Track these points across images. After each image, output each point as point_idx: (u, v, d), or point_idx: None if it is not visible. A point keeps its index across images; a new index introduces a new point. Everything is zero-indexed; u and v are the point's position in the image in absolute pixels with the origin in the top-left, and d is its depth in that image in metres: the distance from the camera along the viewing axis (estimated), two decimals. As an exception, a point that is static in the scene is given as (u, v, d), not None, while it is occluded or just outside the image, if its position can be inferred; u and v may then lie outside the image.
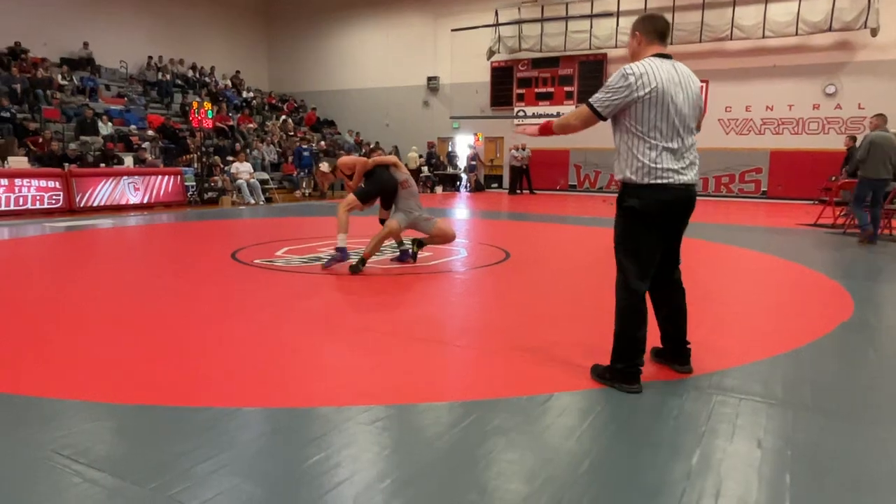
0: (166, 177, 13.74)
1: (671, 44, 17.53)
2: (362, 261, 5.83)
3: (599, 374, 2.97)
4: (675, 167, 2.74)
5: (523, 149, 19.16)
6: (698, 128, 2.90)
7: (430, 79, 22.00)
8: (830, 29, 15.83)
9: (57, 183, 11.85)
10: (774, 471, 2.15)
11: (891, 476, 2.14)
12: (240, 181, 14.74)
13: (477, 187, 20.87)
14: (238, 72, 22.92)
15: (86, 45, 18.29)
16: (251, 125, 19.72)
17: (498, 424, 2.53)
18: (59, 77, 16.56)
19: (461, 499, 1.96)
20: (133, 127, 16.09)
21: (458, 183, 21.15)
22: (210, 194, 14.37)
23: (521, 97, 20.43)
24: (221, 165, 15.08)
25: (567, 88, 19.60)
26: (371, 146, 19.08)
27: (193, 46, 21.69)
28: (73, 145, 13.70)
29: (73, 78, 17.04)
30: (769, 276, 6.11)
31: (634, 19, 2.96)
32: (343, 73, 23.72)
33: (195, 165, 14.81)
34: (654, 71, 2.70)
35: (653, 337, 3.04)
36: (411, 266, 6.14)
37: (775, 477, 2.11)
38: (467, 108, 21.26)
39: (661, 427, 2.50)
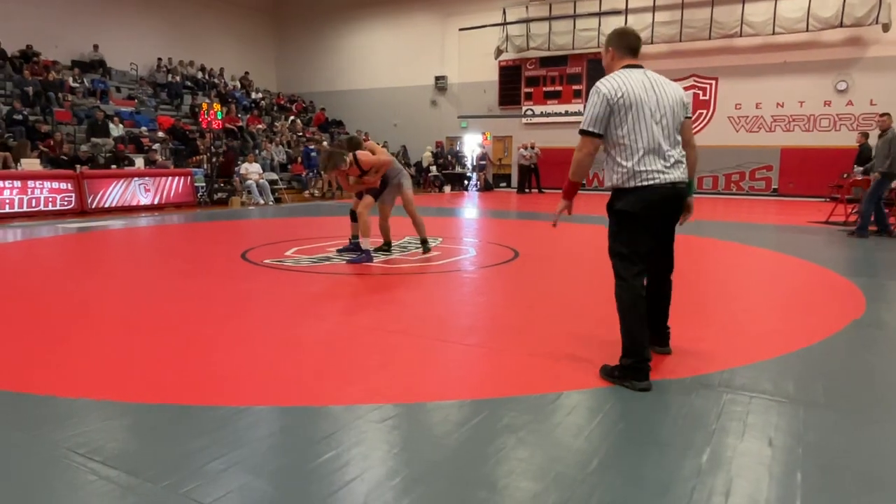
0: (176, 178, 13.82)
1: (680, 41, 17.52)
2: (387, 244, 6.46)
3: (608, 373, 3.00)
4: (659, 167, 2.86)
5: (532, 147, 19.13)
6: (687, 131, 3.02)
7: (437, 78, 22.01)
8: (841, 25, 15.70)
9: (69, 185, 11.95)
10: (785, 469, 2.14)
11: (903, 474, 2.12)
12: (249, 182, 14.82)
13: (486, 186, 20.86)
14: (247, 73, 23.03)
15: (96, 47, 18.44)
16: (260, 126, 19.81)
17: (507, 423, 2.53)
18: (71, 79, 16.70)
19: (471, 496, 1.96)
20: (143, 129, 16.20)
21: (466, 182, 21.14)
22: (219, 195, 14.44)
23: (529, 96, 20.40)
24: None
25: (575, 87, 19.56)
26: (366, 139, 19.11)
27: (203, 48, 21.81)
28: (84, 147, 13.81)
29: (85, 80, 17.17)
30: (780, 273, 6.07)
31: (609, 34, 3.13)
32: (351, 73, 23.78)
33: (205, 166, 14.90)
34: (624, 81, 2.87)
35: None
36: (420, 265, 6.15)
37: (786, 475, 2.10)
38: (475, 108, 21.25)
39: (670, 425, 2.50)
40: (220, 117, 15.12)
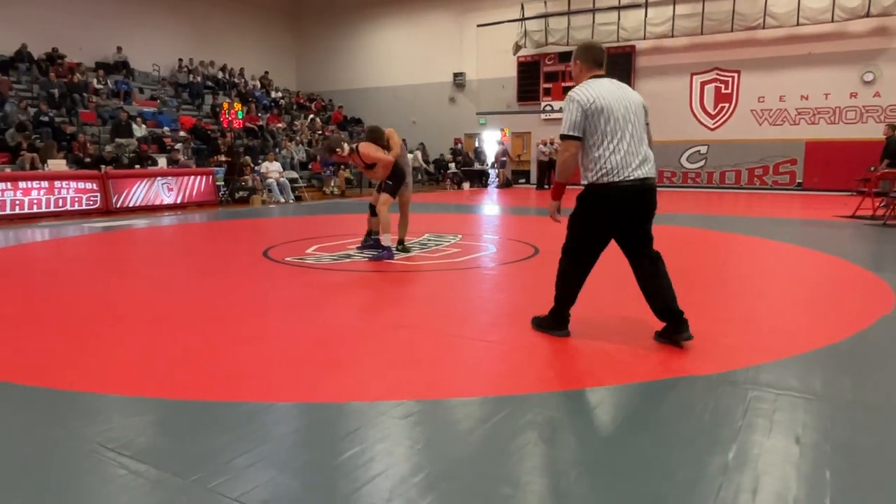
0: (198, 177, 13.99)
1: (701, 34, 17.29)
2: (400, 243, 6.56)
3: (538, 323, 3.64)
4: (628, 164, 3.17)
5: (551, 143, 19.02)
6: (648, 134, 3.36)
7: (456, 75, 21.99)
8: (868, 14, 15.37)
9: (94, 184, 12.15)
10: (813, 467, 2.11)
11: (936, 472, 2.08)
12: (270, 180, 14.94)
13: (505, 183, 20.81)
14: (266, 72, 23.21)
15: (119, 49, 18.70)
16: (280, 125, 19.96)
17: (530, 419, 2.53)
18: (95, 81, 16.97)
19: (495, 493, 1.97)
20: (166, 129, 16.42)
21: (484, 179, 21.10)
22: (240, 194, 14.59)
23: (548, 91, 20.30)
24: (251, 165, 15.30)
25: (595, 82, 19.38)
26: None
27: (223, 48, 22.02)
28: (108, 147, 14.04)
29: (108, 82, 17.44)
30: (806, 269, 5.98)
31: (576, 48, 3.44)
32: (369, 71, 23.84)
33: (226, 165, 15.04)
34: (594, 89, 3.21)
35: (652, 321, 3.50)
36: (440, 262, 6.16)
37: (814, 473, 2.07)
38: (494, 104, 21.20)
39: (696, 422, 2.47)
40: (240, 116, 15.25)
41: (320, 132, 20.29)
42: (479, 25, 20.55)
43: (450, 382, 2.95)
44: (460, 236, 7.99)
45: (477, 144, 22.05)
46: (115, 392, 2.84)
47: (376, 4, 22.99)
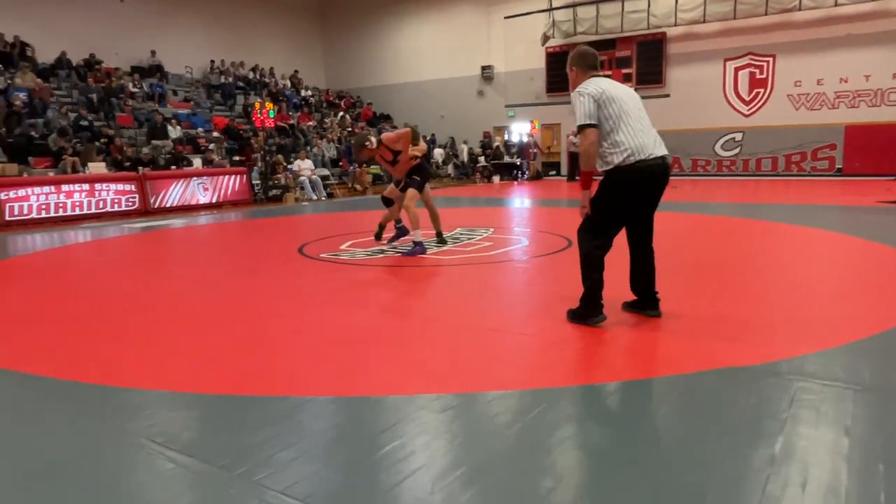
0: (233, 176, 14.22)
1: (734, 18, 16.88)
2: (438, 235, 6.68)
3: (573, 315, 3.62)
4: (648, 144, 3.33)
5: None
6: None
7: (484, 68, 21.89)
8: (911, -9, 14.84)
9: (133, 186, 12.45)
10: (865, 459, 2.06)
11: None
12: (302, 178, 15.10)
13: (535, 175, 20.67)
14: (296, 71, 23.43)
15: (153, 53, 19.08)
16: (310, 123, 20.15)
17: (569, 412, 2.52)
18: (131, 85, 17.36)
19: (536, 486, 1.96)
20: (200, 129, 16.72)
21: (515, 172, 21.00)
22: (274, 192, 14.78)
23: (577, 82, 20.05)
24: (284, 164, 15.48)
25: (625, 70, 19.12)
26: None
27: (253, 49, 22.30)
28: (145, 149, 14.35)
29: (143, 85, 17.82)
30: (849, 256, 5.81)
31: (570, 55, 3.66)
32: (397, 67, 23.89)
33: (259, 164, 15.26)
34: (596, 84, 3.40)
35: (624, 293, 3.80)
36: (474, 256, 6.15)
37: (866, 466, 2.01)
38: (523, 96, 21.06)
39: (739, 413, 2.43)
40: (272, 116, 15.44)
41: (350, 129, 20.42)
42: (506, 17, 20.41)
43: (487, 376, 2.95)
44: (492, 230, 7.97)
45: (507, 137, 21.94)
46: (158, 388, 2.91)
47: (403, 0, 23.01)
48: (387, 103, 24.00)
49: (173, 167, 13.82)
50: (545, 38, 19.94)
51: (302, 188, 15.05)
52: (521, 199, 13.67)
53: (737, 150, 17.78)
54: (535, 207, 11.56)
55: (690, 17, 17.51)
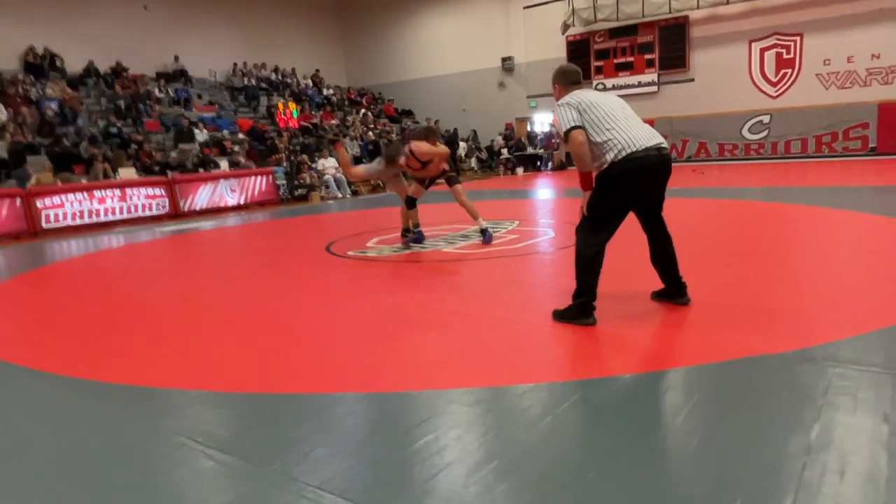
0: (259, 177, 14.41)
1: (760, -2, 16.52)
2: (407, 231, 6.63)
3: (561, 316, 3.57)
4: (639, 137, 3.33)
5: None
6: None
7: (504, 59, 21.79)
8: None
9: (162, 190, 12.70)
10: (904, 445, 2.03)
11: None
12: (326, 177, 15.23)
13: (559, 166, 20.54)
14: (317, 70, 23.59)
15: (177, 58, 19.38)
16: (333, 121, 20.28)
17: (602, 404, 2.52)
18: (156, 90, 17.67)
19: (568, 478, 1.97)
20: (225, 132, 16.95)
21: (538, 163, 20.89)
22: (300, 191, 14.93)
23: (599, 70, 19.86)
24: (309, 163, 15.63)
25: (648, 56, 18.87)
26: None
27: (274, 50, 22.50)
28: (173, 154, 14.62)
29: (169, 90, 18.12)
30: (883, 238, 5.67)
31: (553, 73, 3.74)
32: (417, 61, 23.89)
33: (284, 164, 15.43)
34: (576, 94, 3.50)
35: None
36: (501, 249, 6.16)
37: (905, 452, 1.98)
38: (544, 86, 20.86)
39: (774, 401, 2.41)
40: (295, 116, 15.58)
41: (372, 126, 20.52)
42: (525, 7, 20.27)
43: (517, 369, 2.96)
44: (517, 222, 7.96)
45: (529, 128, 21.83)
46: (196, 388, 2.98)
47: (421, -6, 23.01)
48: (408, 99, 24.04)
49: (201, 170, 14.05)
50: (565, 27, 19.75)
51: (327, 186, 15.18)
52: (545, 191, 13.61)
53: (765, 133, 17.43)
54: (559, 199, 11.50)
55: (713, 0, 17.20)
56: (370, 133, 19.34)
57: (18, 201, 10.73)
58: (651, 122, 18.88)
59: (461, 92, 22.86)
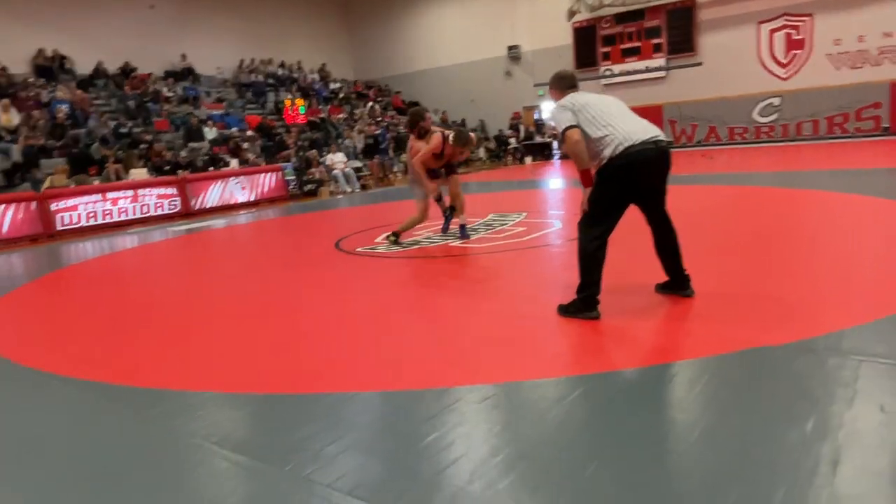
0: (268, 174, 14.51)
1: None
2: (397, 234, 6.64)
3: (566, 311, 3.60)
4: (636, 131, 3.40)
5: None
6: None
7: (510, 48, 21.68)
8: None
9: (174, 189, 12.82)
10: (901, 435, 2.06)
11: None
12: (335, 171, 15.30)
13: (566, 154, 20.45)
14: (324, 64, 23.60)
15: (184, 56, 19.47)
16: (341, 115, 20.32)
17: (607, 397, 2.57)
18: (165, 90, 17.78)
19: (572, 471, 2.03)
20: (234, 129, 17.05)
21: (547, 152, 20.83)
22: (309, 187, 15.02)
23: (606, 56, 19.71)
24: (318, 159, 15.70)
25: (655, 41, 18.70)
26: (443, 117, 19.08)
27: (280, 45, 22.52)
28: (183, 153, 14.74)
29: (177, 89, 18.23)
30: (893, 224, 5.64)
31: (551, 78, 3.92)
32: (424, 53, 23.83)
33: (293, 160, 15.51)
34: (570, 97, 3.61)
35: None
36: (508, 243, 6.20)
37: (902, 441, 2.02)
38: (551, 74, 20.74)
39: (772, 393, 2.45)
40: (303, 111, 15.63)
41: (380, 119, 20.53)
42: (530, -5, 20.13)
43: (523, 364, 3.02)
44: (525, 214, 7.99)
45: (536, 117, 21.75)
46: (208, 389, 3.07)
47: (425, -15, 22.91)
48: (416, 91, 24.01)
49: (211, 168, 14.17)
50: (571, 14, 19.61)
51: (336, 181, 15.26)
52: (553, 180, 13.60)
53: (775, 116, 17.26)
54: (568, 188, 11.49)
55: (721, -19, 17.01)
56: (371, 127, 19.31)
57: (34, 205, 10.90)
58: (660, 108, 18.97)
59: (468, 82, 22.76)
